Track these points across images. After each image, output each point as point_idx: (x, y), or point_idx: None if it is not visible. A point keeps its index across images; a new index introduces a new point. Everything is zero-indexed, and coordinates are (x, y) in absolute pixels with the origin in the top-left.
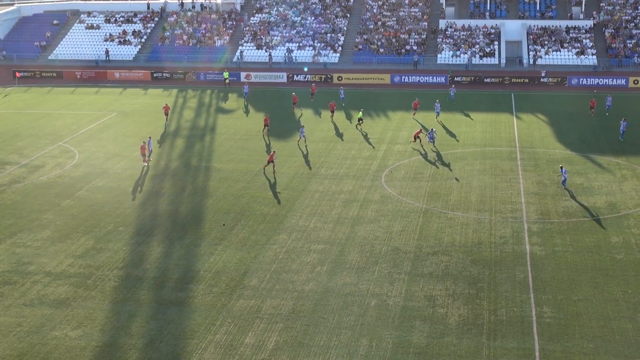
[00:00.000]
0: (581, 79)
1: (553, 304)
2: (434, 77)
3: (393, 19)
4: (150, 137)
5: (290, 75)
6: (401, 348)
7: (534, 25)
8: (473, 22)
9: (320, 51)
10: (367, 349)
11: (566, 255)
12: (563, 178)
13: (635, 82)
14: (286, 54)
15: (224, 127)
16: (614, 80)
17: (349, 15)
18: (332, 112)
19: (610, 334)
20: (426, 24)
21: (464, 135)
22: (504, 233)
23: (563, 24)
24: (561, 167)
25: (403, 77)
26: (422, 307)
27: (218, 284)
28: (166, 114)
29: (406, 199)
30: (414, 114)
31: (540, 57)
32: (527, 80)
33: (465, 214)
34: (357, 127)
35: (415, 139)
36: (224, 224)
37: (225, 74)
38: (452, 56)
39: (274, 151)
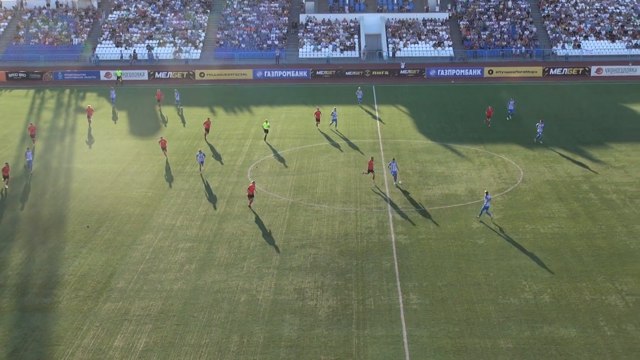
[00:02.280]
0: (439, 70)
1: (419, 291)
2: (296, 72)
3: (254, 14)
4: (28, 149)
5: (151, 73)
6: (272, 342)
7: (392, 19)
8: (333, 16)
9: (182, 47)
10: (238, 345)
11: (430, 243)
12: (485, 205)
13: (490, 72)
14: (147, 51)
15: (85, 127)
16: (470, 70)
17: (209, 11)
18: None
19: (474, 317)
20: (287, 18)
21: (328, 128)
22: (370, 223)
23: (420, 16)
24: (486, 193)
25: (265, 72)
26: (292, 301)
27: (84, 288)
28: (32, 136)
29: (273, 194)
30: (317, 124)
31: (399, 49)
32: (387, 73)
33: (332, 206)
34: (264, 139)
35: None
36: (87, 226)
37: (118, 72)
38: (314, 50)
39: (372, 158)
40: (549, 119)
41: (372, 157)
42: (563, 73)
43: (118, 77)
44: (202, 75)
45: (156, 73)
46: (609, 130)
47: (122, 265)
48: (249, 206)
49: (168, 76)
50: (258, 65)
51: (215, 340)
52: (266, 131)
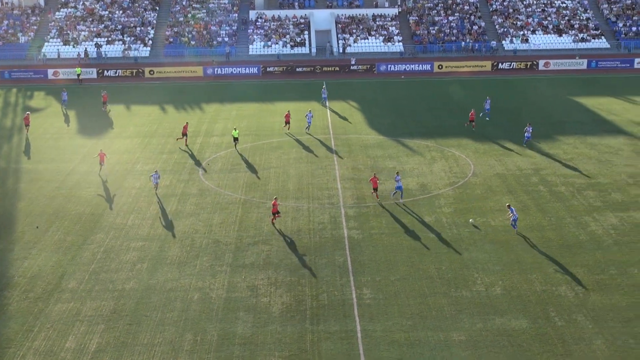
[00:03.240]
0: (389, 65)
1: (372, 285)
2: (247, 68)
3: (203, 10)
4: None
5: (100, 71)
6: (226, 340)
7: (342, 15)
8: (283, 13)
9: (131, 45)
10: (192, 344)
11: (382, 237)
12: (514, 217)
13: (440, 67)
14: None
15: (33, 126)
16: (420, 65)
17: (157, 8)
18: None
19: (427, 310)
20: (236, 15)
21: (279, 125)
22: (322, 219)
23: (370, 12)
24: (508, 206)
25: (216, 69)
26: (245, 298)
27: (34, 289)
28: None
29: (225, 191)
30: (286, 127)
31: (350, 45)
32: (337, 69)
33: (284, 203)
34: (235, 147)
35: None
36: (37, 227)
37: (78, 70)
38: (264, 47)
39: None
40: (498, 113)
41: (374, 174)
42: (512, 67)
43: (78, 75)
44: (152, 73)
45: (105, 71)
46: (557, 124)
47: (73, 266)
48: (272, 223)
49: (117, 74)
50: (207, 62)
51: (168, 339)
52: (236, 139)
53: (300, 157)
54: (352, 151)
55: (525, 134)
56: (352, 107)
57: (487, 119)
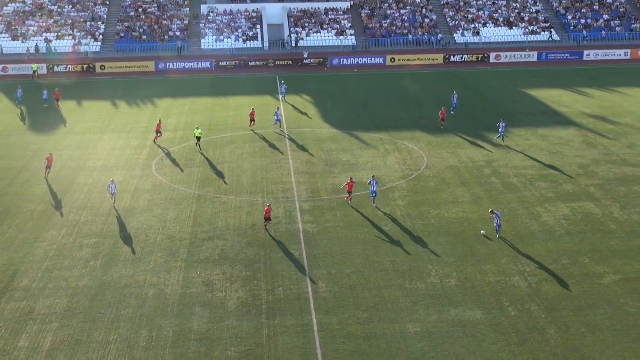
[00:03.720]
0: (342, 59)
1: (327, 279)
2: (199, 63)
3: (154, 5)
4: None
5: (50, 67)
6: (182, 336)
7: (294, 8)
8: (234, 7)
9: (81, 40)
10: (147, 340)
11: (337, 231)
12: (497, 223)
13: (392, 60)
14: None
15: None
16: (372, 59)
17: (108, 2)
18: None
19: (382, 303)
20: (188, 9)
21: (232, 119)
22: (277, 213)
23: (322, 6)
24: (491, 211)
25: (168, 64)
26: (201, 293)
27: None
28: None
29: (178, 186)
30: (252, 124)
31: (302, 39)
32: (290, 62)
33: (238, 197)
34: (197, 146)
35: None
36: None
37: (34, 66)
38: (216, 41)
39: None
40: (450, 106)
41: (351, 177)
42: (463, 60)
43: (34, 71)
44: (103, 68)
45: (55, 67)
46: (508, 115)
47: (25, 264)
48: (265, 229)
49: (67, 69)
50: (159, 57)
51: (123, 335)
52: (198, 138)
53: (254, 151)
54: (305, 145)
55: (500, 129)
56: (306, 100)
57: (452, 112)
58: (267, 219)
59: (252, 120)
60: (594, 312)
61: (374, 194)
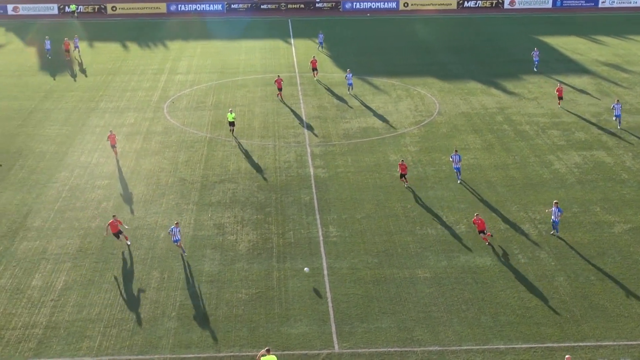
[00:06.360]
0: (354, 3)
1: (338, 224)
2: (211, 5)
3: None
4: None
5: (61, 7)
6: (193, 277)
7: None
8: None
9: None
10: (159, 281)
11: (348, 176)
12: (555, 219)
13: (405, 5)
14: None
15: None
16: (386, 3)
17: None
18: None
19: (392, 248)
20: None
21: (244, 63)
22: (288, 158)
23: None
24: (556, 203)
25: (179, 6)
26: (212, 236)
27: None
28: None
29: (190, 129)
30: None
31: None
32: (302, 6)
33: (250, 141)
34: (231, 132)
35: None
36: (0, 165)
37: (72, 7)
38: None
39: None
40: (463, 52)
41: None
42: (477, 5)
43: (73, 11)
44: (114, 9)
45: (66, 7)
46: (522, 62)
47: (37, 204)
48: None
49: (79, 10)
50: None
51: (135, 276)
52: (231, 124)
53: (266, 95)
54: (317, 90)
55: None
56: (318, 44)
57: (535, 70)
58: (402, 175)
59: (314, 69)
60: (603, 261)
61: (457, 170)
